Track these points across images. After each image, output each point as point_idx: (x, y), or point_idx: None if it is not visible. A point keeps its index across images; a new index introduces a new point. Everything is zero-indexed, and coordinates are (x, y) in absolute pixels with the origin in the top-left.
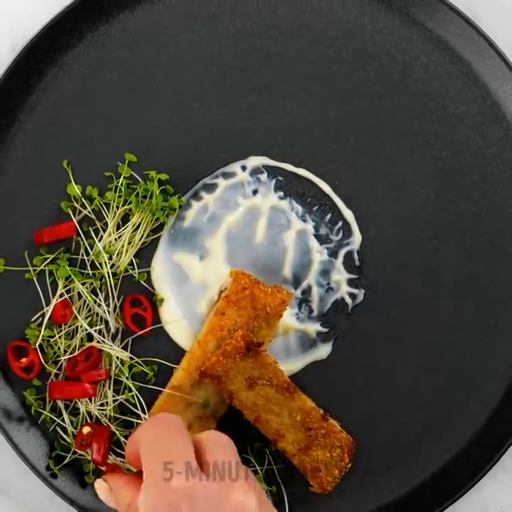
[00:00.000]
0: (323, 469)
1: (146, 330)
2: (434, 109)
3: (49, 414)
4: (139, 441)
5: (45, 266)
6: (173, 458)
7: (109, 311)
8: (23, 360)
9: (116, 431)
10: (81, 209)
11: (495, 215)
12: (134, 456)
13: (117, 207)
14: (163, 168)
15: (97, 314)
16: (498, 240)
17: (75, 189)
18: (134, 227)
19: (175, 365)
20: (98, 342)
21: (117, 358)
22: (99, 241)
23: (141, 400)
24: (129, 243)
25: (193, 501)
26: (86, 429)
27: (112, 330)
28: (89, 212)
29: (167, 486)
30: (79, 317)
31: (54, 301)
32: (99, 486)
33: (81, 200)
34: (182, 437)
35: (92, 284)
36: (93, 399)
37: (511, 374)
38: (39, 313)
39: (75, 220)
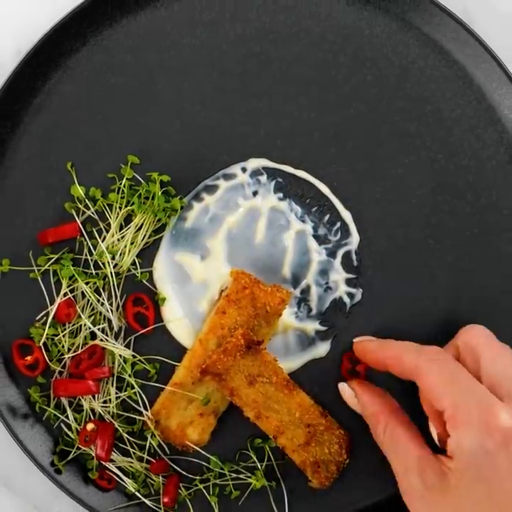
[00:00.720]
0: (322, 465)
1: (148, 328)
2: (431, 112)
3: (53, 411)
4: (426, 375)
5: (49, 266)
6: (479, 395)
7: (112, 310)
8: (28, 358)
9: (119, 427)
10: (84, 210)
11: (490, 215)
12: (381, 363)
13: (120, 208)
14: (165, 170)
15: (100, 313)
16: (493, 239)
17: (78, 190)
18: (137, 227)
19: (176, 363)
20: (101, 340)
21: (120, 355)
22: (103, 241)
23: (144, 397)
24: (132, 243)
25: None
26: (90, 426)
27: (115, 328)
28: (92, 213)
29: (491, 425)
30: (82, 316)
31: (58, 300)
32: (346, 389)
33: (84, 201)
34: (467, 372)
35: (95, 283)
36: (96, 396)
37: None
38: (43, 312)
39: (78, 221)
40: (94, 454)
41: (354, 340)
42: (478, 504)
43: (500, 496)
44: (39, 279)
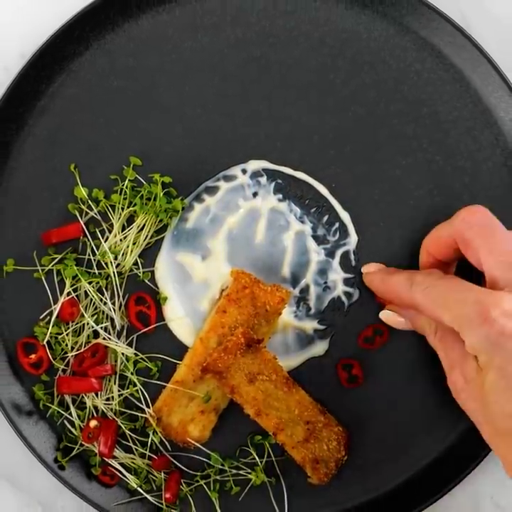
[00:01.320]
0: (321, 461)
1: (150, 327)
2: (428, 115)
3: (57, 409)
4: (431, 301)
5: (53, 265)
6: (476, 298)
7: (114, 309)
8: (32, 356)
9: (121, 424)
10: (88, 211)
11: None
12: (401, 303)
13: (122, 209)
14: (167, 172)
15: (103, 312)
16: None
17: (81, 192)
18: (139, 228)
19: (178, 361)
20: (104, 339)
21: (122, 354)
22: (105, 241)
23: (146, 395)
24: (134, 244)
25: None
26: (93, 423)
27: (118, 327)
28: (95, 213)
29: (491, 317)
30: (85, 315)
31: (61, 300)
32: (387, 315)
33: (88, 202)
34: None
35: (98, 283)
36: (99, 393)
37: None
38: (47, 311)
39: (81, 222)
40: (97, 451)
41: (362, 269)
42: (503, 393)
43: None
44: (43, 278)
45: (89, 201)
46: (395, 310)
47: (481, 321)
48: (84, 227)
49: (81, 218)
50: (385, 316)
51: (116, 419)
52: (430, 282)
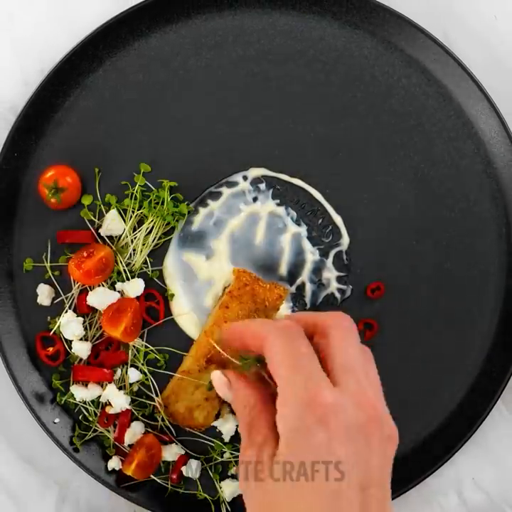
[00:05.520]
0: None
1: (159, 322)
2: (414, 126)
3: (72, 395)
4: (269, 346)
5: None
6: (310, 372)
7: None
8: (50, 349)
9: (134, 410)
10: (95, 220)
11: (467, 219)
12: (241, 342)
13: (133, 212)
14: (174, 178)
15: None
16: (471, 240)
17: (87, 199)
18: (148, 230)
19: (184, 353)
20: None
21: (134, 346)
22: (117, 242)
23: (155, 384)
24: (144, 244)
25: (337, 414)
26: (109, 409)
27: None
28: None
29: (313, 402)
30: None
31: (76, 294)
32: (218, 378)
33: (100, 206)
34: (308, 348)
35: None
36: (114, 382)
37: (482, 358)
38: (66, 305)
39: (92, 229)
40: (112, 437)
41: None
42: (291, 487)
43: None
44: (59, 276)
45: (102, 205)
46: (231, 380)
47: (303, 400)
48: (94, 233)
49: (96, 220)
50: (215, 377)
51: (129, 407)
52: (287, 329)
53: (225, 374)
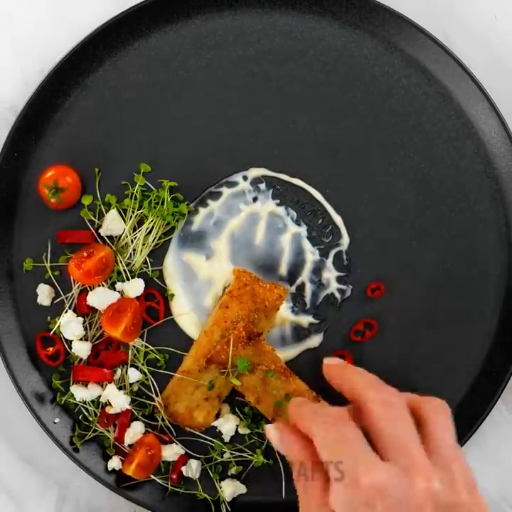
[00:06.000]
0: None
1: (159, 321)
2: (414, 126)
3: (72, 395)
4: (321, 438)
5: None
6: (356, 454)
7: None
8: (50, 349)
9: (134, 410)
10: (94, 219)
11: (467, 219)
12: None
13: (133, 212)
14: (174, 178)
15: None
16: (471, 240)
17: (87, 199)
18: (148, 230)
19: (184, 353)
20: None
21: (134, 346)
22: (117, 242)
23: (155, 384)
24: (144, 244)
25: (384, 495)
26: (109, 408)
27: None
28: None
29: (361, 482)
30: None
31: (76, 295)
32: (272, 432)
33: (100, 206)
34: (357, 434)
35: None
36: (114, 382)
37: (482, 358)
38: (66, 305)
39: (92, 229)
40: (112, 437)
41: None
42: None
43: None
44: (59, 276)
45: (102, 205)
46: (283, 435)
47: (351, 481)
48: (94, 233)
49: (96, 220)
50: (269, 432)
51: (129, 407)
52: (332, 420)
53: (277, 428)
